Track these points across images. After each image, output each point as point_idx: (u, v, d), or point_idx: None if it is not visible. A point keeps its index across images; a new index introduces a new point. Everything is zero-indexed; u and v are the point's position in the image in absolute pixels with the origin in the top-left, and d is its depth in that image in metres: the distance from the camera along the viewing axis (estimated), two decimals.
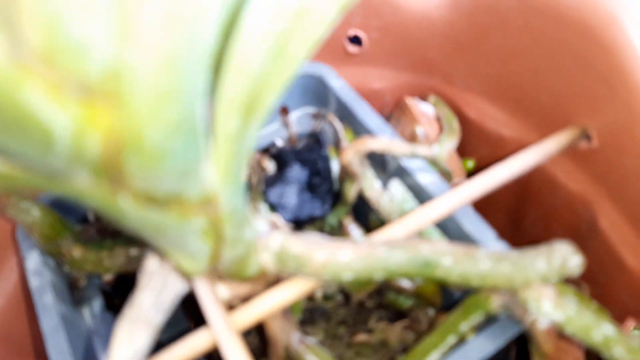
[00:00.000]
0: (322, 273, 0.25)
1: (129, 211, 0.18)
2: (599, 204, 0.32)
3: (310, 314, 0.38)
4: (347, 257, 0.25)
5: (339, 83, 0.37)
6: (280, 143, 0.39)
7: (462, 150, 0.41)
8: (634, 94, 0.26)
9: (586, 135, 0.31)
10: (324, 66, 0.37)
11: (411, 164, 0.32)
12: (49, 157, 0.15)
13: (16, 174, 0.17)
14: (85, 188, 0.17)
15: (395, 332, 0.34)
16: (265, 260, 0.26)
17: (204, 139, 0.19)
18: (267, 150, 0.40)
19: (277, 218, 0.32)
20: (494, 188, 0.30)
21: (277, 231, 0.26)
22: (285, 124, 0.40)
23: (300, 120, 0.40)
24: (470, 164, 0.41)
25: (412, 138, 0.35)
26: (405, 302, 0.36)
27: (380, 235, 0.28)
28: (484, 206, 0.39)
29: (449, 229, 0.31)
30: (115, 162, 0.15)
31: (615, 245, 0.31)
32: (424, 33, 0.36)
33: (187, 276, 0.24)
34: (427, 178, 0.32)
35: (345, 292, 0.37)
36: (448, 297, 0.34)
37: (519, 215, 0.41)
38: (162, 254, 0.24)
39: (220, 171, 0.20)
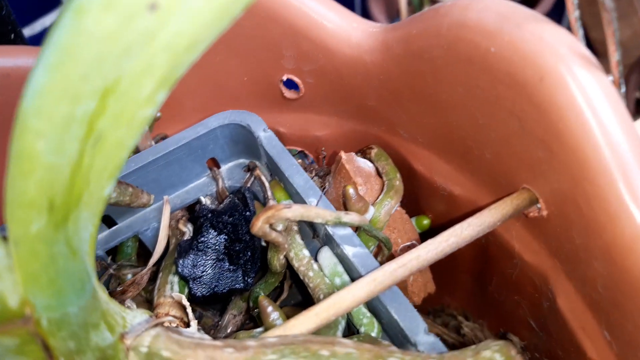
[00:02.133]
0: None
1: None
2: (556, 281, 0.27)
3: None
4: None
5: (266, 135, 0.33)
6: (204, 200, 0.34)
7: (416, 206, 0.37)
8: (574, 158, 0.22)
9: (536, 202, 0.26)
10: (251, 115, 0.33)
11: (337, 232, 0.28)
12: None
13: None
14: None
15: None
16: None
17: None
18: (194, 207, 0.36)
19: (180, 297, 0.28)
20: (426, 265, 0.26)
21: (151, 327, 0.22)
22: (214, 178, 0.36)
23: (231, 172, 0.36)
24: (426, 221, 0.37)
25: (345, 196, 0.31)
26: None
27: (282, 328, 0.24)
28: (451, 265, 0.35)
29: (379, 311, 0.27)
30: None
31: (575, 332, 0.26)
32: (360, 79, 0.32)
33: None
34: (352, 250, 0.27)
35: None
36: None
37: (484, 279, 0.36)
38: None
39: (28, 279, 0.16)
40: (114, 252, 0.37)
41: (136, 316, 0.23)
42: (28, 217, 0.15)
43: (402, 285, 0.33)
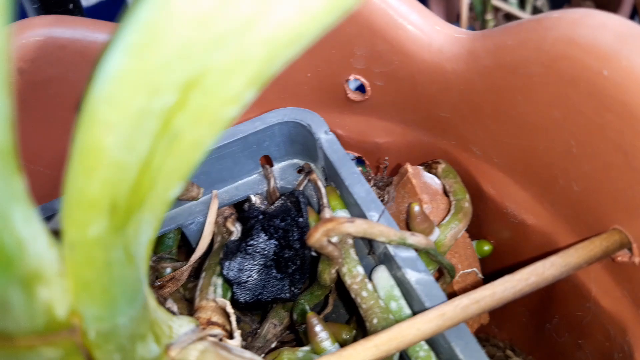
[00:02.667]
0: None
1: None
2: (636, 334, 0.25)
3: None
4: None
5: (328, 137, 0.30)
6: (255, 199, 0.33)
7: (478, 229, 0.34)
8: None
9: (627, 246, 0.24)
10: (313, 115, 0.31)
11: (400, 253, 0.26)
12: None
13: None
14: None
15: None
16: None
17: (44, 241, 0.13)
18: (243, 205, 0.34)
19: (224, 304, 0.26)
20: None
21: (197, 339, 0.20)
22: (266, 177, 0.34)
23: (284, 172, 0.34)
24: (487, 247, 0.34)
25: (410, 214, 0.29)
26: None
27: (337, 357, 0.21)
28: None
29: (439, 345, 0.24)
30: None
31: None
32: (436, 88, 0.29)
33: None
34: (416, 276, 0.25)
35: None
36: None
37: (542, 316, 0.34)
38: None
39: (80, 287, 0.14)
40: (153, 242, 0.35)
41: (182, 325, 0.21)
42: (88, 219, 0.13)
43: None
